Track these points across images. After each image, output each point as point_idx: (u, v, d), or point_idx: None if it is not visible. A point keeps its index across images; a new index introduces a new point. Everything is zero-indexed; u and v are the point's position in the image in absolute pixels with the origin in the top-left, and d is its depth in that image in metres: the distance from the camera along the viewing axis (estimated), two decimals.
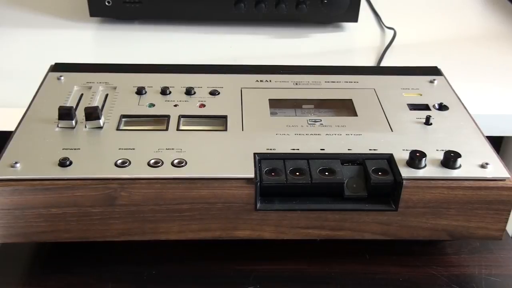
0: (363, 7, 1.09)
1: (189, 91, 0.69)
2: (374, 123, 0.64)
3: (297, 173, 0.56)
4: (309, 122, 0.64)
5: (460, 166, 0.57)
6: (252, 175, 0.56)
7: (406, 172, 0.56)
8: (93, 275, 0.60)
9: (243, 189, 0.55)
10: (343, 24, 1.08)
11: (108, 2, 1.02)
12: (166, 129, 0.62)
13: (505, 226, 0.58)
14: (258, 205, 0.56)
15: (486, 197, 0.56)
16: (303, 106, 0.68)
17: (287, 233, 0.58)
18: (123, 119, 0.64)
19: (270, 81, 0.72)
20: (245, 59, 0.96)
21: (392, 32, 1.05)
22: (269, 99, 0.68)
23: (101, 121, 0.62)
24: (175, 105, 0.67)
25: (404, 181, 0.55)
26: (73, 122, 0.62)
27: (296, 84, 0.72)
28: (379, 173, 0.57)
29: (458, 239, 0.63)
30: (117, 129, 0.62)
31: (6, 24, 1.06)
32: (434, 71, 0.75)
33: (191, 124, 0.64)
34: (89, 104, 0.66)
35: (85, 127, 0.62)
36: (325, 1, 1.01)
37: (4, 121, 0.82)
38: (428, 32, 1.08)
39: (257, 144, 0.60)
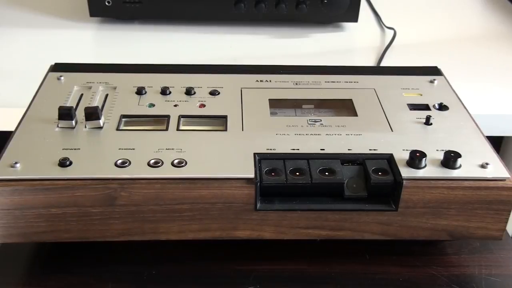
0: (363, 7, 1.09)
1: (189, 91, 0.69)
2: (374, 123, 0.64)
3: (297, 173, 0.56)
4: (309, 122, 0.64)
5: (460, 166, 0.57)
6: (252, 175, 0.56)
7: (406, 172, 0.56)
8: (93, 275, 0.60)
9: (243, 189, 0.55)
10: (343, 24, 1.08)
11: (108, 2, 1.02)
12: (166, 129, 0.62)
13: (505, 226, 0.58)
14: (258, 205, 0.56)
15: (486, 197, 0.56)
16: (303, 106, 0.68)
17: (287, 233, 0.58)
18: (123, 119, 0.64)
19: (270, 81, 0.72)
20: (245, 59, 0.96)
21: (392, 32, 1.05)
22: (269, 99, 0.68)
23: (101, 121, 0.62)
24: (175, 105, 0.67)
25: (404, 181, 0.55)
26: (73, 122, 0.62)
27: (296, 84, 0.72)
28: (379, 173, 0.56)
29: (458, 239, 0.63)
30: (117, 129, 0.62)
31: (6, 24, 1.06)
32: (434, 71, 0.75)
33: (191, 124, 0.64)
34: (89, 104, 0.66)
35: (85, 127, 0.62)
36: (325, 1, 1.01)
37: (4, 121, 0.82)
38: (428, 32, 1.08)
39: (257, 144, 0.60)
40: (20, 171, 0.55)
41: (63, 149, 0.58)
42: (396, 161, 0.57)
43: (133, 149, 0.59)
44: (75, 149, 0.58)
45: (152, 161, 0.57)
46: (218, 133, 0.62)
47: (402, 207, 0.56)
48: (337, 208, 0.57)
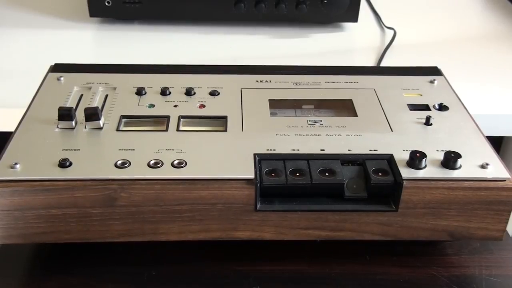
0: (363, 7, 1.09)
1: (189, 92, 0.69)
2: (374, 124, 0.64)
3: (297, 174, 0.56)
4: (309, 123, 0.64)
5: (460, 167, 0.57)
6: (252, 176, 0.55)
7: (406, 172, 0.56)
8: (93, 276, 0.60)
9: (243, 190, 0.55)
10: (343, 24, 1.08)
11: (108, 2, 1.02)
12: (166, 130, 0.62)
13: (506, 226, 0.58)
14: (258, 205, 0.56)
15: (486, 198, 0.56)
16: (303, 107, 0.68)
17: (287, 233, 0.58)
18: (123, 120, 0.64)
19: (270, 81, 0.72)
20: (245, 59, 0.96)
21: (392, 32, 1.04)
22: (269, 100, 0.68)
23: (101, 122, 0.62)
24: (175, 106, 0.66)
25: (404, 182, 0.55)
26: (73, 122, 0.62)
27: (296, 84, 0.72)
28: (379, 174, 0.56)
29: (458, 240, 0.63)
30: (117, 129, 0.62)
31: (6, 24, 1.06)
32: (434, 71, 0.75)
33: (191, 125, 0.64)
34: (89, 104, 0.66)
35: (85, 127, 0.62)
36: (325, 1, 1.01)
37: (4, 121, 0.82)
38: (428, 32, 1.08)
39: (257, 145, 0.60)
40: (20, 172, 0.55)
41: (63, 149, 0.58)
42: (396, 162, 0.57)
43: (133, 149, 0.59)
44: (75, 149, 0.58)
45: (152, 161, 0.57)
46: (218, 134, 0.62)
47: (402, 208, 0.56)
48: (337, 209, 0.57)
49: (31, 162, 0.56)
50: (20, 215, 0.55)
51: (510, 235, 0.66)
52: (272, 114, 0.66)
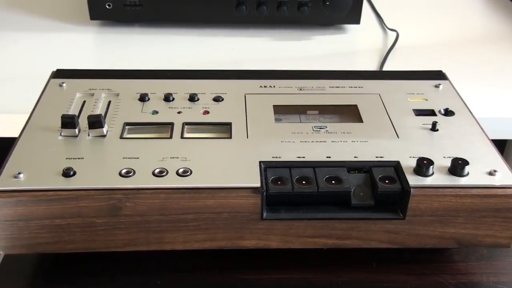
0: (365, 8, 1.09)
1: (192, 98, 0.68)
2: (380, 130, 0.64)
3: (303, 182, 0.56)
4: (314, 129, 0.63)
5: (468, 174, 0.56)
6: (258, 184, 0.55)
7: (413, 180, 0.56)
8: (97, 285, 0.59)
9: (249, 199, 0.55)
10: (345, 26, 1.08)
11: (109, 5, 1.01)
12: (170, 137, 0.62)
13: None
14: (265, 214, 0.56)
15: (494, 205, 0.55)
16: (308, 112, 0.68)
17: (293, 242, 0.57)
18: (127, 127, 0.63)
19: (274, 86, 0.72)
20: (246, 62, 0.95)
21: (394, 34, 1.04)
22: (274, 105, 0.68)
23: (105, 129, 0.61)
24: (179, 112, 0.66)
25: (411, 190, 0.55)
26: (76, 130, 0.61)
27: (300, 89, 0.71)
28: (386, 181, 0.56)
29: (466, 247, 0.62)
30: (121, 137, 0.61)
31: (6, 28, 1.05)
32: (439, 75, 0.75)
33: (195, 132, 0.63)
34: (92, 111, 0.65)
35: (88, 135, 0.61)
36: (327, 3, 1.01)
37: (4, 127, 0.81)
38: (431, 33, 1.08)
39: (262, 152, 0.59)
40: (24, 182, 0.54)
41: (66, 158, 0.58)
42: (403, 169, 0.57)
43: (137, 158, 0.58)
44: (78, 158, 0.58)
45: (157, 170, 0.56)
46: (222, 141, 0.61)
47: (410, 216, 0.56)
48: (344, 217, 0.56)
49: (34, 171, 0.56)
50: (24, 225, 0.55)
51: None
52: (276, 120, 0.65)
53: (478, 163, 0.58)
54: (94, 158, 0.58)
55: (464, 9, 1.18)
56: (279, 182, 0.56)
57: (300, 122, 0.66)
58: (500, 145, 0.96)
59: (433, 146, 0.61)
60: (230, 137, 0.62)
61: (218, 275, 0.60)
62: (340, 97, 0.70)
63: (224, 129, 0.64)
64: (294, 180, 0.56)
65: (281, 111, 0.67)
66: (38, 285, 0.60)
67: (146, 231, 0.56)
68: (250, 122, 0.64)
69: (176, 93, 0.69)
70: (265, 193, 0.55)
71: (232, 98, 0.69)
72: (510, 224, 0.57)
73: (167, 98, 0.68)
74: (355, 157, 0.59)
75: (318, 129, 0.63)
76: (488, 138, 0.62)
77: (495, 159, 0.59)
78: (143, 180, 0.55)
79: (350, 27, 1.08)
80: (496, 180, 0.56)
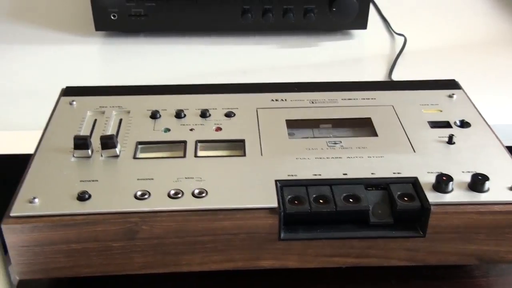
0: (372, 13, 1.08)
1: (204, 114, 0.67)
2: (395, 144, 0.63)
3: (321, 201, 0.55)
4: (329, 144, 0.63)
5: (488, 190, 0.55)
6: (274, 204, 0.54)
7: (432, 197, 0.55)
8: None
9: (266, 219, 0.54)
10: (352, 31, 1.07)
11: (114, 16, 1.00)
12: (184, 156, 0.61)
13: None
14: (282, 234, 0.55)
15: None
16: (321, 126, 0.67)
17: (311, 261, 0.57)
18: (139, 146, 0.62)
19: (286, 100, 0.71)
20: (253, 70, 0.94)
21: (402, 38, 1.03)
22: (286, 120, 0.67)
23: (118, 150, 0.61)
24: (191, 129, 0.65)
25: (431, 207, 0.54)
26: (89, 151, 0.60)
27: (312, 102, 0.70)
28: (405, 199, 0.55)
29: (487, 263, 0.62)
30: (134, 157, 0.61)
31: (10, 40, 1.05)
32: (452, 84, 0.74)
33: (209, 149, 0.63)
34: (104, 131, 0.64)
35: (101, 156, 0.60)
36: (334, 9, 1.00)
37: (13, 143, 0.81)
38: (439, 37, 1.07)
39: (277, 170, 0.58)
40: (39, 207, 0.54)
41: (80, 181, 0.57)
42: (422, 185, 0.56)
43: (152, 179, 0.57)
44: (93, 180, 0.57)
45: (172, 192, 0.55)
46: (237, 159, 0.61)
47: (430, 233, 0.55)
48: (362, 236, 0.55)
49: (49, 196, 0.55)
50: (40, 250, 0.54)
51: None
52: (290, 135, 0.65)
53: (498, 178, 0.57)
54: (108, 180, 0.57)
55: (471, 12, 1.17)
56: (296, 202, 0.55)
57: (314, 137, 0.65)
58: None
59: (450, 161, 0.60)
60: (244, 155, 0.61)
61: None
62: (353, 110, 0.69)
63: (237, 146, 0.63)
64: (311, 199, 0.55)
65: (294, 125, 0.66)
66: None
67: (162, 253, 0.55)
68: (264, 138, 0.64)
69: (188, 109, 0.68)
70: (282, 213, 0.54)
71: (244, 113, 0.68)
72: None
73: (179, 114, 0.67)
74: (372, 173, 0.58)
75: (333, 144, 0.63)
76: (507, 151, 0.61)
77: None
78: (158, 202, 0.55)
79: (357, 32, 1.07)
80: None
